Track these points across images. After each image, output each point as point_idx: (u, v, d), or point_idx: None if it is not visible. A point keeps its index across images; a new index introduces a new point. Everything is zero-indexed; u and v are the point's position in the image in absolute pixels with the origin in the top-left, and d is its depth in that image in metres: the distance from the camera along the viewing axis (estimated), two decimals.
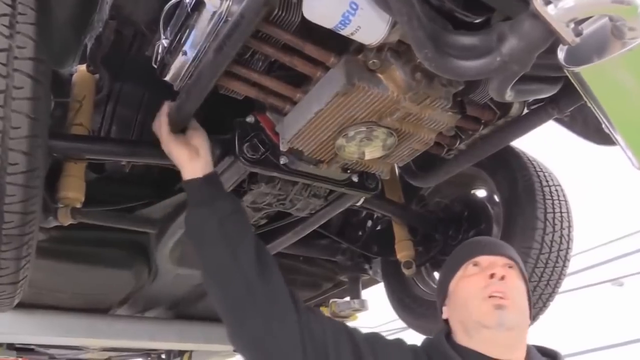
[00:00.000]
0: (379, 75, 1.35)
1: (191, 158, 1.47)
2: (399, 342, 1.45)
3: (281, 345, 1.30)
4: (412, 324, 2.36)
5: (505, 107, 1.69)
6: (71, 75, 1.81)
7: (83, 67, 1.82)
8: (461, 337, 1.41)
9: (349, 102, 1.37)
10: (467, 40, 1.12)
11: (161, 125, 1.50)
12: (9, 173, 1.09)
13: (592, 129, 1.93)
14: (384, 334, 1.48)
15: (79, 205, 1.61)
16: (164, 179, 2.12)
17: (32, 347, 3.90)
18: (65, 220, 1.58)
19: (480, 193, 2.38)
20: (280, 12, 1.28)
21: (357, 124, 1.45)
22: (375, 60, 1.32)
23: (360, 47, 1.35)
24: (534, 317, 1.67)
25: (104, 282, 2.53)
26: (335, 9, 1.16)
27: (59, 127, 1.73)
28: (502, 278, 1.37)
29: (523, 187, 2.04)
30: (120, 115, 2.06)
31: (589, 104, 1.21)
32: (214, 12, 1.22)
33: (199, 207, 1.43)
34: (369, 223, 2.62)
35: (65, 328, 2.79)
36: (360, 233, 2.67)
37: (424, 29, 1.06)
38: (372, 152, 1.57)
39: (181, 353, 4.28)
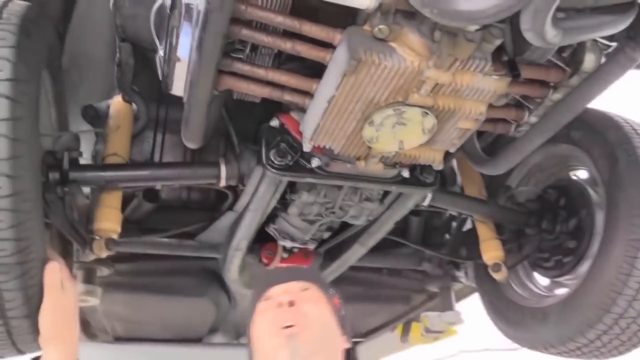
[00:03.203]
0: (391, 43, 1.13)
1: None
2: None
3: None
4: (508, 334, 2.01)
5: (576, 61, 1.37)
6: (108, 107, 1.81)
7: (119, 97, 1.81)
8: None
9: (362, 82, 1.16)
10: None
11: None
12: None
13: None
14: None
15: (114, 236, 1.57)
16: (220, 200, 2.05)
17: None
18: (101, 252, 1.55)
19: (582, 174, 1.99)
20: None
21: (382, 108, 1.24)
22: (381, 27, 1.11)
23: (367, 17, 1.15)
24: None
25: (184, 312, 2.52)
26: None
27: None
28: (291, 304, 1.20)
29: (625, 164, 1.63)
30: (169, 141, 2.02)
31: None
32: (188, 6, 1.11)
33: None
34: (454, 225, 2.32)
35: (163, 358, 2.83)
36: (447, 236, 2.38)
37: None
38: (411, 139, 1.34)
39: None
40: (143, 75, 1.78)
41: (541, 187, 2.05)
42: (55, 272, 1.23)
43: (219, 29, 1.08)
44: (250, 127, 1.86)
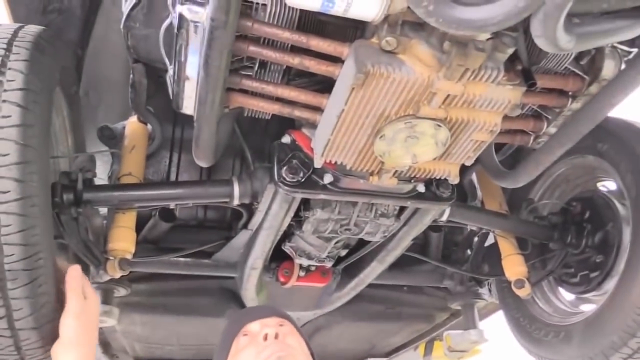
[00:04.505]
0: (400, 56, 1.11)
1: None
2: None
3: None
4: (532, 352, 1.93)
5: (595, 69, 1.33)
6: (124, 128, 1.82)
7: (134, 118, 1.83)
8: None
9: (371, 95, 1.14)
10: None
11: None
12: (1, 202, 1.07)
13: None
14: None
15: (128, 256, 1.57)
16: (237, 219, 2.03)
17: None
18: (114, 272, 1.54)
19: (610, 185, 1.91)
20: (274, 8, 1.13)
21: (393, 121, 1.21)
22: (389, 39, 1.08)
23: (375, 29, 1.13)
24: None
25: (203, 332, 2.49)
26: None
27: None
28: (276, 336, 1.26)
29: None
30: (186, 161, 2.03)
31: None
32: (195, 24, 1.11)
33: None
34: (475, 240, 2.26)
35: None
36: (468, 252, 2.32)
37: None
38: (424, 152, 1.30)
39: None
40: (158, 96, 1.79)
41: (566, 198, 1.98)
42: (77, 276, 1.22)
43: (224, 46, 1.07)
44: (266, 144, 1.85)
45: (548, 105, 1.42)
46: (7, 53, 1.19)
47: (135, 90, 1.64)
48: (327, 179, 1.44)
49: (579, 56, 1.34)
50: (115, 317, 1.91)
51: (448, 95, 1.15)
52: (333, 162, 1.35)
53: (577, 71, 1.34)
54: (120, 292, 1.95)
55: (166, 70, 1.58)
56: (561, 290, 2.00)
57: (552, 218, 1.92)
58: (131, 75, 1.60)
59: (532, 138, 1.52)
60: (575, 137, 1.43)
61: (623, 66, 1.29)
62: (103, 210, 1.78)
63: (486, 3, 0.85)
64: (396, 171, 1.39)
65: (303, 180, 1.44)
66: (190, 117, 1.70)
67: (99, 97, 2.07)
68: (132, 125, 1.79)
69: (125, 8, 1.35)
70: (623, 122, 1.67)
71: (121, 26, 1.39)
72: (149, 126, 1.84)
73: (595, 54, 1.32)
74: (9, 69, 1.16)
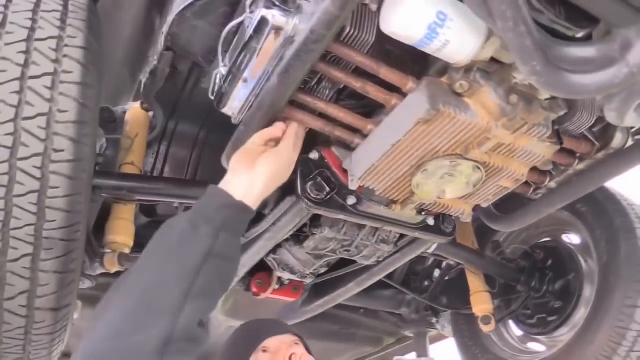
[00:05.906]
0: (467, 99, 1.17)
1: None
2: None
3: None
4: None
5: (606, 137, 1.46)
6: (124, 112, 1.72)
7: (137, 104, 1.73)
8: None
9: (431, 132, 1.18)
10: (583, 51, 0.93)
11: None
12: (54, 161, 0.98)
13: None
14: None
15: (127, 251, 1.47)
16: None
17: None
18: (112, 266, 1.44)
19: (574, 239, 2.08)
20: (352, 31, 1.14)
21: (440, 158, 1.26)
22: (462, 82, 1.14)
23: (444, 69, 1.18)
24: None
25: None
26: (419, 21, 1.00)
27: (111, 167, 1.63)
28: (301, 358, 1.32)
29: (626, 253, 1.74)
30: (174, 155, 1.96)
31: None
32: (280, 32, 1.09)
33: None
34: (437, 272, 2.38)
35: None
36: (426, 283, 2.43)
37: (532, 37, 0.88)
38: (454, 190, 1.37)
39: None
40: (165, 86, 1.72)
41: (531, 243, 2.14)
42: (287, 128, 1.24)
43: (311, 59, 1.07)
44: None
45: (556, 162, 1.55)
46: (65, 10, 1.13)
47: (155, 77, 1.56)
48: (351, 200, 1.45)
49: (594, 123, 1.48)
50: (78, 311, 1.77)
51: (498, 143, 1.23)
52: (366, 186, 1.37)
53: (590, 137, 1.48)
54: (85, 284, 1.81)
55: (195, 63, 1.53)
56: (511, 324, 2.15)
57: (521, 262, 2.07)
58: (155, 62, 1.52)
59: (532, 189, 1.64)
60: (573, 196, 1.57)
61: (630, 141, 1.44)
62: None
63: (587, 73, 0.92)
64: (419, 203, 1.44)
65: (327, 198, 1.44)
66: (187, 113, 1.66)
67: None
68: (135, 112, 1.70)
69: None
70: (606, 191, 1.84)
71: (174, 13, 1.32)
72: (151, 114, 1.76)
73: (608, 124, 1.46)
74: (69, 25, 1.10)
